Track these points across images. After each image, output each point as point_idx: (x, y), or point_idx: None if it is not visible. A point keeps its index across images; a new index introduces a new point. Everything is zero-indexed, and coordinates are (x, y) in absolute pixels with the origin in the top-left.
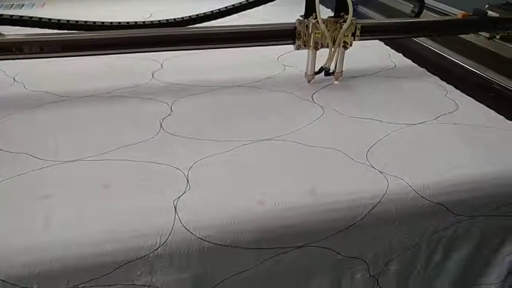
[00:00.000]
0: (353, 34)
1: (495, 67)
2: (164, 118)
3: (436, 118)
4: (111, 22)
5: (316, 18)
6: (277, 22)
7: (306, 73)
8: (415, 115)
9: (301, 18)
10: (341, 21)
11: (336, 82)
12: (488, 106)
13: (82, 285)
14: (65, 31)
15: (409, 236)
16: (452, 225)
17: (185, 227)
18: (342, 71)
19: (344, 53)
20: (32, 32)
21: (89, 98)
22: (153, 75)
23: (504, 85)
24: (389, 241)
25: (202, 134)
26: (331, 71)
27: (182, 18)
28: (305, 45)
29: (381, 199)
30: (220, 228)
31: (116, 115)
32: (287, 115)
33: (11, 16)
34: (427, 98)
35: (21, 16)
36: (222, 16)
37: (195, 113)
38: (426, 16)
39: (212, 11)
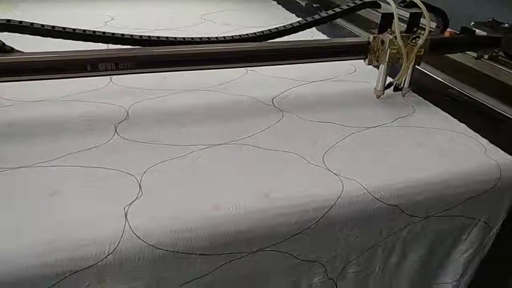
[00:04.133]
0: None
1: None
2: (120, 122)
3: (393, 121)
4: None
5: (393, 33)
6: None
7: (375, 88)
8: (373, 118)
9: (375, 34)
10: (413, 36)
11: (403, 99)
12: (443, 110)
13: None
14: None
15: (365, 238)
16: (407, 226)
17: (135, 234)
18: (410, 87)
19: (413, 68)
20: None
21: (41, 102)
22: (111, 79)
23: (458, 89)
24: (345, 243)
25: (158, 139)
26: (400, 86)
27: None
28: (377, 60)
29: (335, 201)
30: (173, 234)
31: (69, 120)
32: (246, 119)
33: (20, 22)
34: (385, 102)
35: (32, 23)
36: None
37: (152, 117)
38: None
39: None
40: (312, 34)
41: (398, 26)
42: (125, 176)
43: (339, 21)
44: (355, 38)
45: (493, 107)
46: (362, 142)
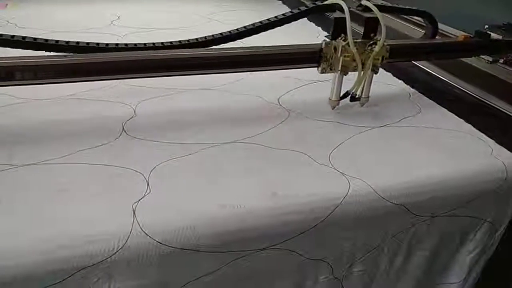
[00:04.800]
0: (382, 57)
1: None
2: (127, 120)
3: (399, 120)
4: (106, 44)
5: (346, 40)
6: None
7: (330, 98)
8: (379, 118)
9: (327, 40)
10: (371, 42)
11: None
12: (449, 110)
13: None
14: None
15: (371, 238)
16: (413, 225)
17: (143, 231)
18: (368, 97)
19: (372, 77)
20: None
21: (49, 101)
22: None
23: (464, 89)
24: (351, 243)
25: (165, 137)
26: (357, 96)
27: (196, 39)
28: (331, 69)
29: (342, 201)
30: (180, 232)
31: (78, 118)
32: (252, 118)
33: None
34: (391, 102)
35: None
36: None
37: (159, 116)
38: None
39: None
40: (318, 35)
41: (350, 32)
42: (133, 173)
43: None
44: (308, 44)
45: (499, 108)
46: (368, 141)
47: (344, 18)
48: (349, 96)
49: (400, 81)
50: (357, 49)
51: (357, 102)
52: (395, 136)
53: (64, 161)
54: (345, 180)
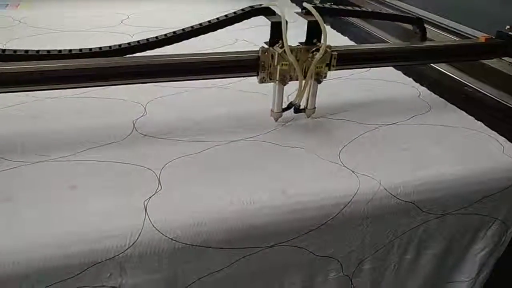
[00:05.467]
0: (328, 65)
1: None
2: (138, 118)
3: (409, 118)
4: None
5: (282, 46)
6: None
7: (272, 110)
8: (388, 115)
9: (265, 46)
10: (313, 49)
11: (309, 119)
12: (460, 108)
13: (49, 287)
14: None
15: (381, 235)
16: (423, 223)
17: (155, 228)
18: (314, 108)
19: (317, 86)
20: None
21: (61, 98)
22: None
23: (475, 87)
24: (361, 240)
25: (175, 135)
26: (301, 107)
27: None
28: (271, 78)
29: (352, 198)
30: (191, 228)
31: (89, 115)
32: (261, 116)
33: None
34: (400, 100)
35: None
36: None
37: (169, 113)
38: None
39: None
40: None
41: (286, 38)
42: (144, 170)
43: (368, 27)
44: (246, 52)
45: (510, 105)
46: (378, 139)
47: (281, 23)
48: (296, 108)
49: (409, 79)
50: (296, 56)
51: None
52: (404, 134)
53: (76, 158)
54: (355, 177)
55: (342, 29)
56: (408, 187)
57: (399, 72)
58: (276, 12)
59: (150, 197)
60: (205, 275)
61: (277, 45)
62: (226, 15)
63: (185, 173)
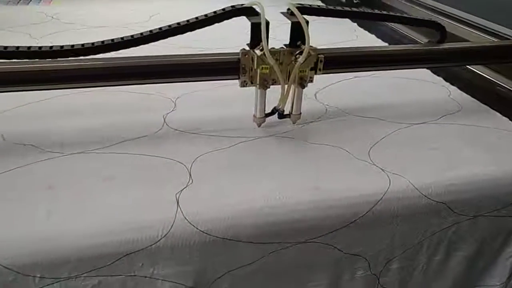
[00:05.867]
0: (314, 68)
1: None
2: (168, 113)
3: (439, 118)
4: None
5: (263, 48)
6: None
7: (254, 115)
8: (418, 115)
9: (246, 48)
10: (297, 52)
11: (294, 126)
12: (492, 108)
13: (84, 275)
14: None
15: (410, 235)
16: (454, 224)
17: (187, 220)
18: (300, 113)
19: (302, 91)
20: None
21: (94, 92)
22: None
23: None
24: (390, 239)
25: (205, 130)
26: (286, 112)
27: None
28: (252, 82)
29: (382, 197)
30: (222, 221)
31: (120, 110)
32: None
33: None
34: (430, 99)
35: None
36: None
37: (199, 108)
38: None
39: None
40: (356, 33)
41: (265, 39)
42: (175, 164)
43: (395, 24)
44: (227, 53)
45: None
46: (408, 138)
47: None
48: (280, 114)
49: (439, 78)
50: (279, 59)
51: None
52: (435, 133)
53: (110, 150)
54: (385, 176)
55: (369, 27)
56: (440, 187)
57: (428, 71)
58: (258, 10)
59: (181, 190)
60: (235, 268)
61: (257, 47)
62: (206, 15)
63: (215, 167)
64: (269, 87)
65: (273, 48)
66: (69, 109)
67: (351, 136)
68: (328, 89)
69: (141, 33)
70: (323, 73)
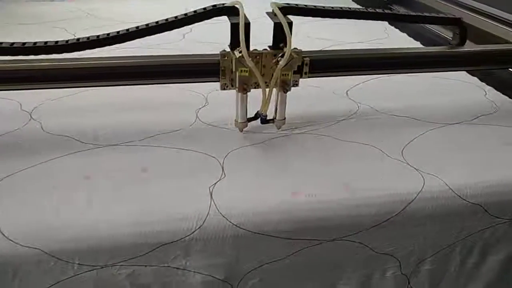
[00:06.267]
0: (300, 71)
1: None
2: (200, 108)
3: (474, 118)
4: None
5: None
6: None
7: (236, 120)
8: (452, 115)
9: (226, 50)
10: (280, 54)
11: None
12: None
13: (120, 264)
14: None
15: (444, 236)
16: (489, 227)
17: (220, 213)
18: (284, 118)
19: (286, 95)
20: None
21: (127, 86)
22: None
23: None
24: (422, 240)
25: (236, 125)
26: (269, 117)
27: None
28: (232, 85)
29: (416, 196)
30: (254, 216)
31: (154, 104)
32: (320, 109)
33: None
34: (464, 99)
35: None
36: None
37: (229, 104)
38: None
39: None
40: (386, 32)
41: (244, 41)
42: (207, 158)
43: (435, 27)
44: (209, 55)
45: None
46: (442, 138)
47: (246, 24)
48: (263, 119)
49: (474, 78)
50: (260, 62)
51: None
52: (470, 134)
53: (145, 143)
54: (419, 175)
55: (401, 24)
56: (476, 189)
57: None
58: (239, 9)
59: (215, 184)
60: (265, 263)
61: (237, 48)
62: (185, 14)
63: (247, 162)
64: (249, 91)
65: (255, 50)
66: (102, 103)
67: (383, 135)
68: (359, 86)
69: (118, 32)
70: (309, 77)
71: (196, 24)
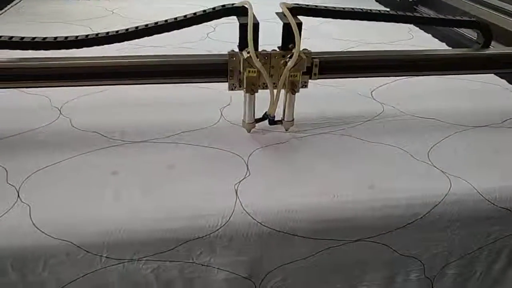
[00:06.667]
0: (309, 72)
1: None
2: (224, 107)
3: (503, 122)
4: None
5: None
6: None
7: (243, 121)
8: (480, 117)
9: (235, 51)
10: (288, 55)
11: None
12: None
13: (146, 258)
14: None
15: (470, 240)
16: None
17: (245, 211)
18: (293, 120)
19: (294, 97)
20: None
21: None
22: None
23: None
24: (448, 243)
25: (259, 124)
26: (277, 118)
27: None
28: (240, 86)
29: (442, 199)
30: (279, 215)
31: (179, 102)
32: (344, 110)
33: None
34: (490, 102)
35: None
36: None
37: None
38: None
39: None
40: (411, 33)
41: (252, 41)
42: (232, 156)
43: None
44: (216, 55)
45: None
46: (470, 141)
47: (255, 25)
48: (271, 120)
49: (503, 80)
50: (268, 63)
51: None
52: (499, 137)
53: (170, 140)
54: (445, 178)
55: (428, 27)
56: (505, 193)
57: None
58: (248, 8)
59: (240, 181)
60: (288, 262)
61: (246, 49)
62: (195, 13)
63: (271, 162)
64: (257, 92)
65: (264, 50)
66: (129, 101)
67: (409, 136)
68: (384, 87)
69: (127, 29)
70: (318, 78)
71: (220, 23)
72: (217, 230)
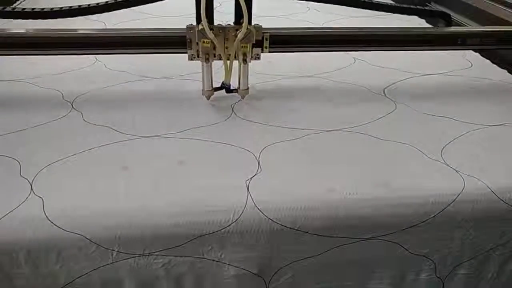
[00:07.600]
0: (261, 45)
1: None
2: (236, 103)
3: None
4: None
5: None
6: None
7: (202, 89)
8: (494, 116)
9: (193, 24)
10: (240, 29)
11: (243, 100)
12: None
13: (156, 253)
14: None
15: (483, 240)
16: None
17: (257, 207)
18: (248, 88)
19: (247, 66)
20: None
21: (164, 79)
22: None
23: None
24: (460, 243)
25: (271, 121)
26: (232, 87)
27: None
28: (198, 56)
29: (455, 198)
30: (290, 211)
31: (189, 96)
32: (357, 108)
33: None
34: (508, 99)
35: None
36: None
37: (264, 100)
38: None
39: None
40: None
41: (204, 14)
42: (244, 152)
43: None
44: (177, 28)
45: None
46: (484, 139)
47: None
48: (227, 88)
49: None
50: (223, 35)
51: None
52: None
53: (182, 135)
54: (459, 177)
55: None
56: None
57: (504, 71)
58: None
59: (251, 178)
60: (299, 259)
61: (201, 22)
62: None
63: (283, 158)
64: (212, 61)
65: (220, 24)
66: (141, 95)
67: (422, 134)
68: (396, 85)
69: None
70: (269, 52)
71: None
72: (228, 226)
